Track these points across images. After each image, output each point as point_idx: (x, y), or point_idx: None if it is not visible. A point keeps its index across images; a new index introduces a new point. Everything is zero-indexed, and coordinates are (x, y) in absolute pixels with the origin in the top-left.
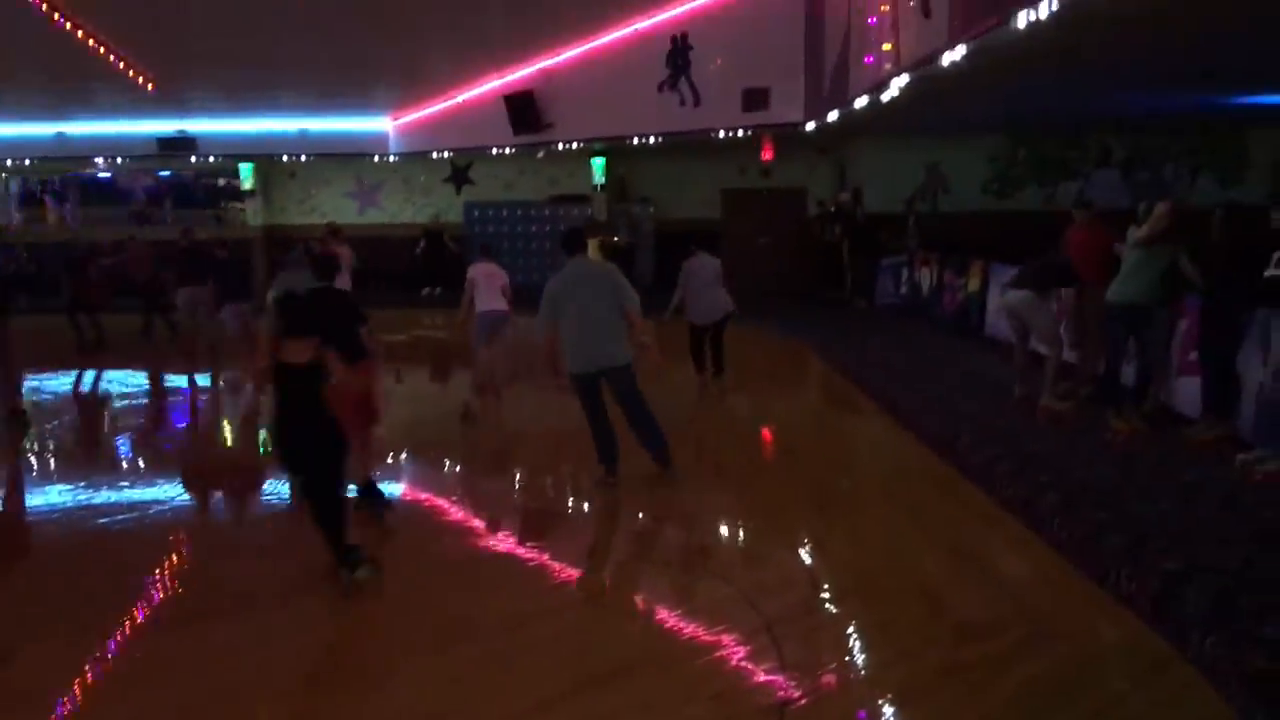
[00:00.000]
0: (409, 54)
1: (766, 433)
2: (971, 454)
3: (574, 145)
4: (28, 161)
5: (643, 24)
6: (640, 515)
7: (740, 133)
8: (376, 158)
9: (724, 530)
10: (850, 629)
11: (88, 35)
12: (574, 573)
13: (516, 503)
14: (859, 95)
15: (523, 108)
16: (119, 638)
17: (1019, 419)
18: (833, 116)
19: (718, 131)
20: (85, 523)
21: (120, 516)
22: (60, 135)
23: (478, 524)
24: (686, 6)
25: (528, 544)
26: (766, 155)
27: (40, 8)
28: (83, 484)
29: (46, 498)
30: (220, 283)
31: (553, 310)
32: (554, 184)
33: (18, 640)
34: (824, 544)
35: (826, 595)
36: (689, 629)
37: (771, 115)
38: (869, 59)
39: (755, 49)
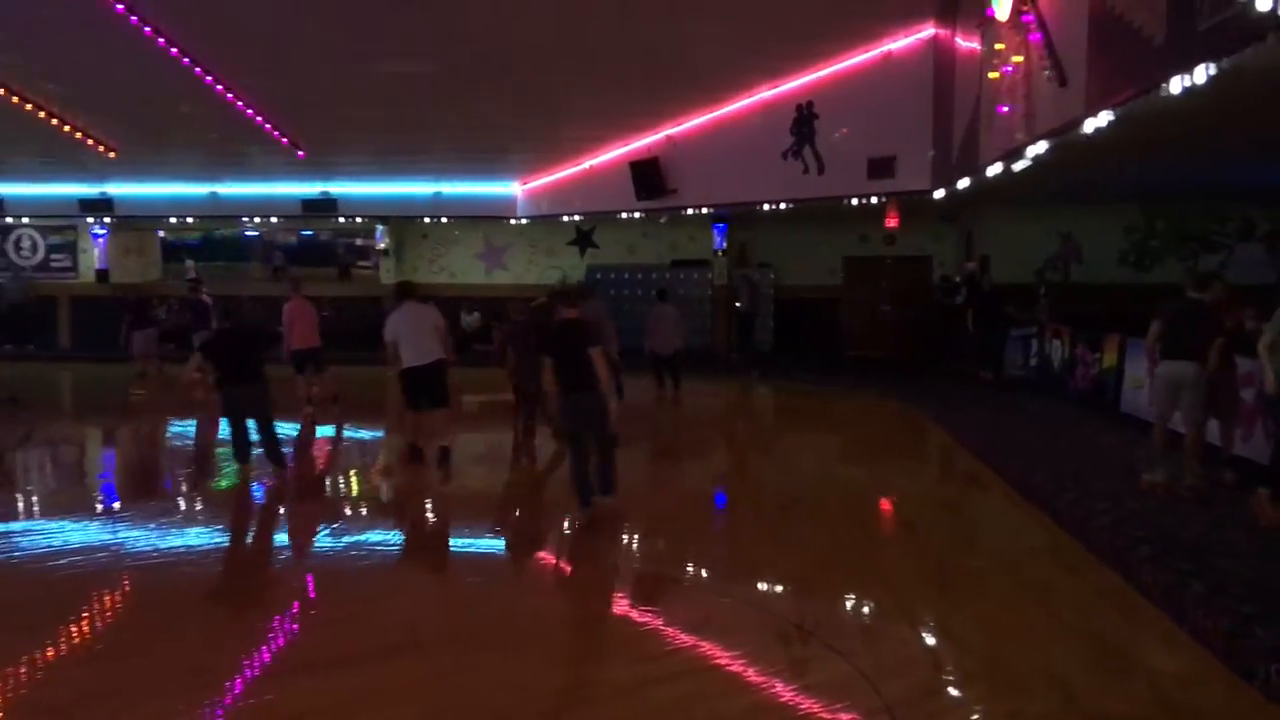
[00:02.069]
0: (541, 122)
1: (885, 504)
2: (1106, 535)
3: (697, 211)
4: (189, 220)
5: (767, 93)
6: (756, 584)
7: (865, 200)
8: (505, 220)
9: (841, 604)
10: (976, 717)
11: (248, 105)
12: (688, 639)
13: (629, 565)
14: (990, 163)
15: (647, 174)
16: (250, 685)
17: (1158, 500)
18: (963, 184)
19: (841, 199)
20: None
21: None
22: (214, 195)
23: (589, 587)
24: (812, 76)
25: (640, 608)
26: (891, 223)
27: (207, 80)
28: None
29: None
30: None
31: None
32: (675, 249)
33: (161, 682)
34: (947, 624)
35: (950, 679)
36: (806, 705)
37: (897, 183)
38: (1001, 126)
39: (881, 116)
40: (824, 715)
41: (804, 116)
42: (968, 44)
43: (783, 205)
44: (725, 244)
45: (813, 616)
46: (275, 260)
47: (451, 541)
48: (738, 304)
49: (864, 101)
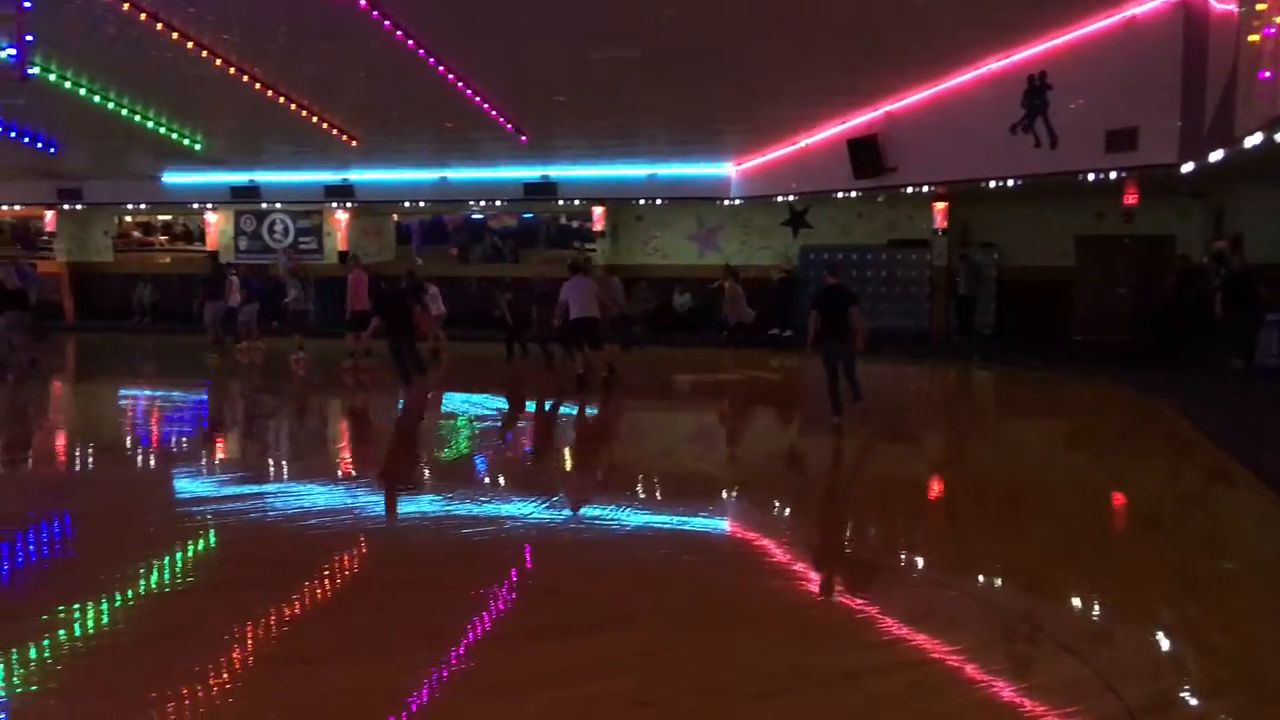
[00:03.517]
0: (756, 102)
1: (1121, 498)
2: None
3: (917, 189)
4: (422, 204)
5: (995, 64)
6: (980, 576)
7: (1102, 175)
8: (718, 201)
9: (1074, 601)
10: None
11: (477, 93)
12: (906, 630)
13: (847, 551)
14: (1249, 133)
15: (865, 152)
16: (475, 649)
17: None
18: (1215, 157)
19: (1075, 174)
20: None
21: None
22: (443, 179)
23: (805, 571)
24: (1045, 45)
25: (858, 594)
26: (1130, 199)
27: (440, 71)
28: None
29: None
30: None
31: None
32: (892, 228)
33: (376, 646)
34: (1195, 628)
35: (1199, 686)
36: (1034, 707)
37: (1139, 156)
38: (1261, 94)
39: (1122, 86)
40: (1053, 717)
41: (1036, 88)
42: (1223, 6)
43: (1010, 182)
44: (946, 223)
45: (1042, 613)
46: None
47: (666, 519)
48: (957, 284)
49: (1103, 70)
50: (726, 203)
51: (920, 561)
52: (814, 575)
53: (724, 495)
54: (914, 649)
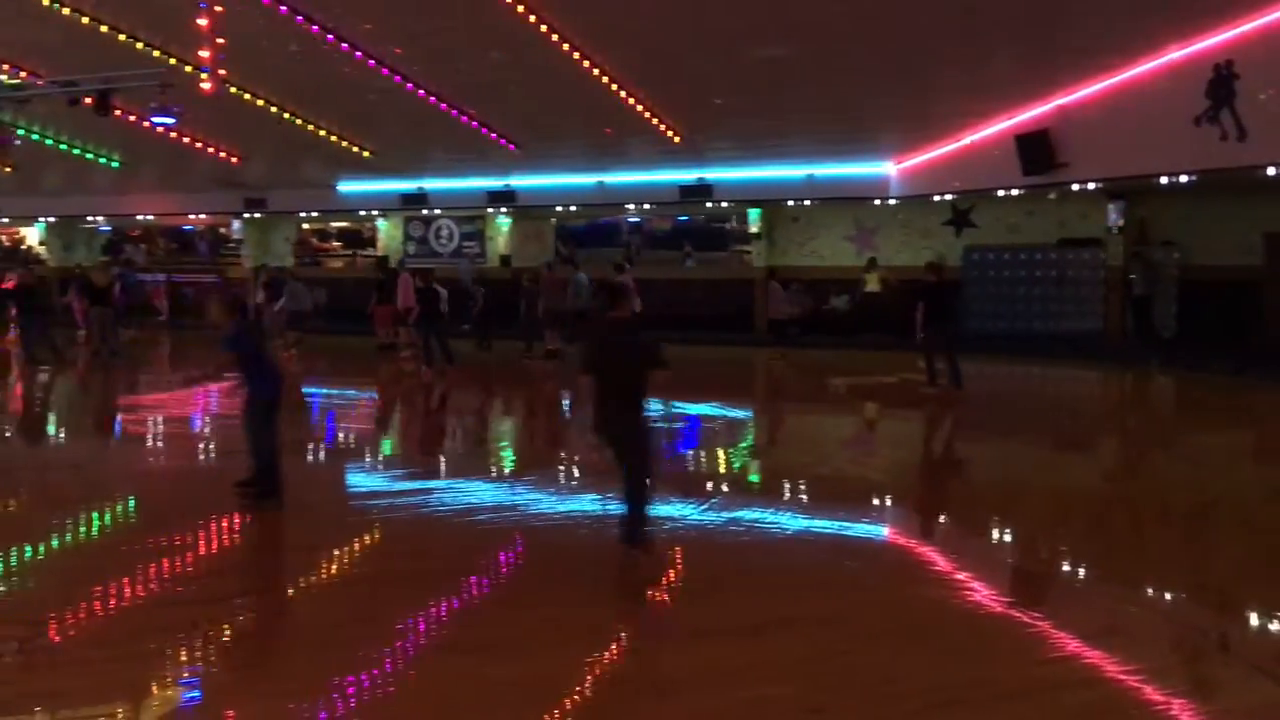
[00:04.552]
0: (918, 98)
1: None
2: None
3: (1089, 186)
4: (573, 208)
5: (1177, 54)
6: (1163, 592)
7: None
8: (876, 201)
9: (1270, 621)
10: None
11: (630, 95)
12: (1082, 646)
13: (1019, 562)
14: None
15: (1035, 147)
16: (639, 647)
17: None
18: None
19: (1266, 168)
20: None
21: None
22: (600, 184)
23: (973, 581)
24: (1233, 32)
25: (1031, 608)
26: None
27: (594, 74)
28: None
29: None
30: None
31: None
32: (1063, 227)
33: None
34: None
35: None
36: None
37: None
38: None
39: None
40: None
41: (1222, 77)
42: None
43: (1190, 177)
44: (1122, 220)
45: (1233, 632)
46: (634, 245)
47: (825, 524)
48: (1133, 285)
49: None
50: (885, 202)
51: (1098, 575)
52: (983, 586)
53: (885, 501)
54: (1090, 666)
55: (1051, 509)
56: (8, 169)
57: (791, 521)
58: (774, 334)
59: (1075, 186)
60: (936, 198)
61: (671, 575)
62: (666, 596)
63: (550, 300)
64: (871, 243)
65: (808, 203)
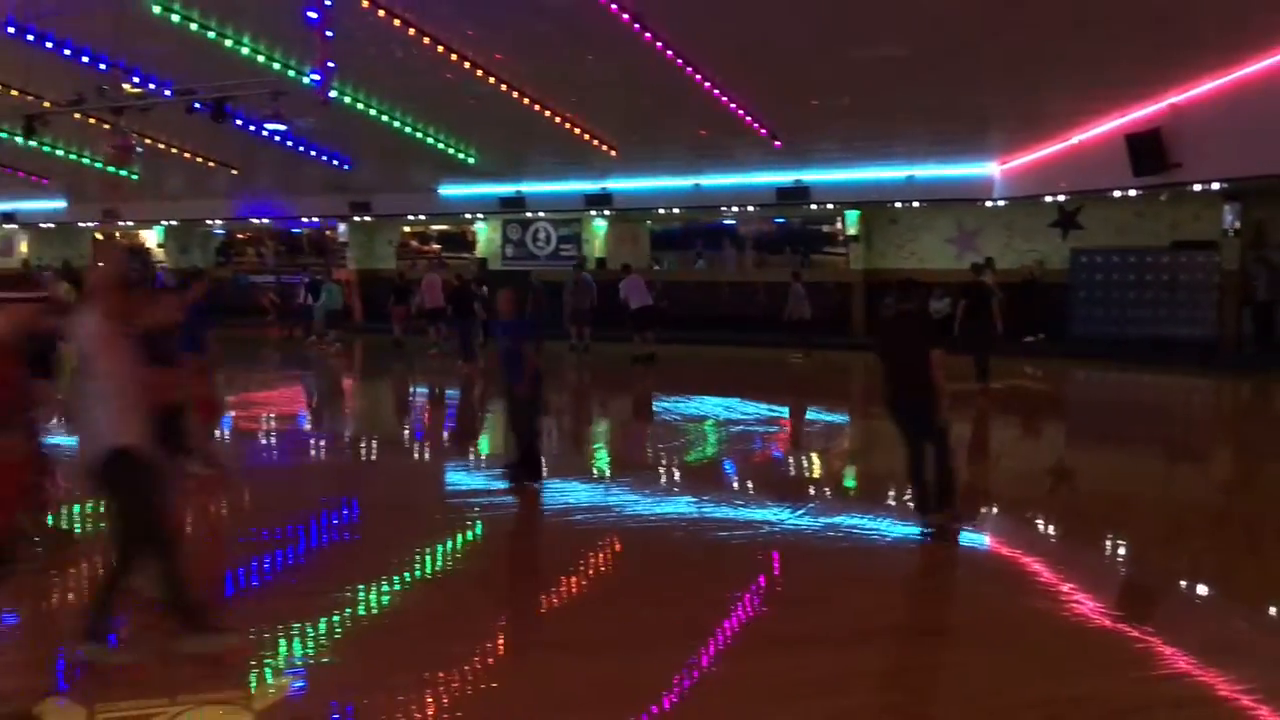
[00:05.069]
0: (1027, 97)
1: None
2: None
3: (1212, 186)
4: (674, 210)
5: None
6: (1271, 608)
7: None
8: (979, 203)
9: None
10: None
11: (732, 99)
12: (1194, 662)
13: (1128, 575)
14: None
15: (1147, 147)
16: (736, 651)
17: None
18: None
19: None
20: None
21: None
22: (697, 186)
23: (1080, 593)
24: None
25: (1139, 622)
26: None
27: (696, 79)
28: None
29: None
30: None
31: None
32: (1175, 229)
33: (634, 637)
34: None
35: None
36: None
37: None
38: None
39: None
40: None
41: None
42: None
43: None
44: (1238, 223)
45: None
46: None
47: (925, 532)
48: (1255, 289)
49: None
50: (989, 204)
51: (1211, 590)
52: (1091, 599)
53: (990, 509)
54: (1203, 684)
55: (1163, 521)
56: (131, 175)
57: (891, 528)
58: (794, 335)
59: (1198, 187)
60: (1048, 198)
61: (768, 580)
62: (765, 602)
63: (577, 301)
64: (973, 245)
65: (908, 204)
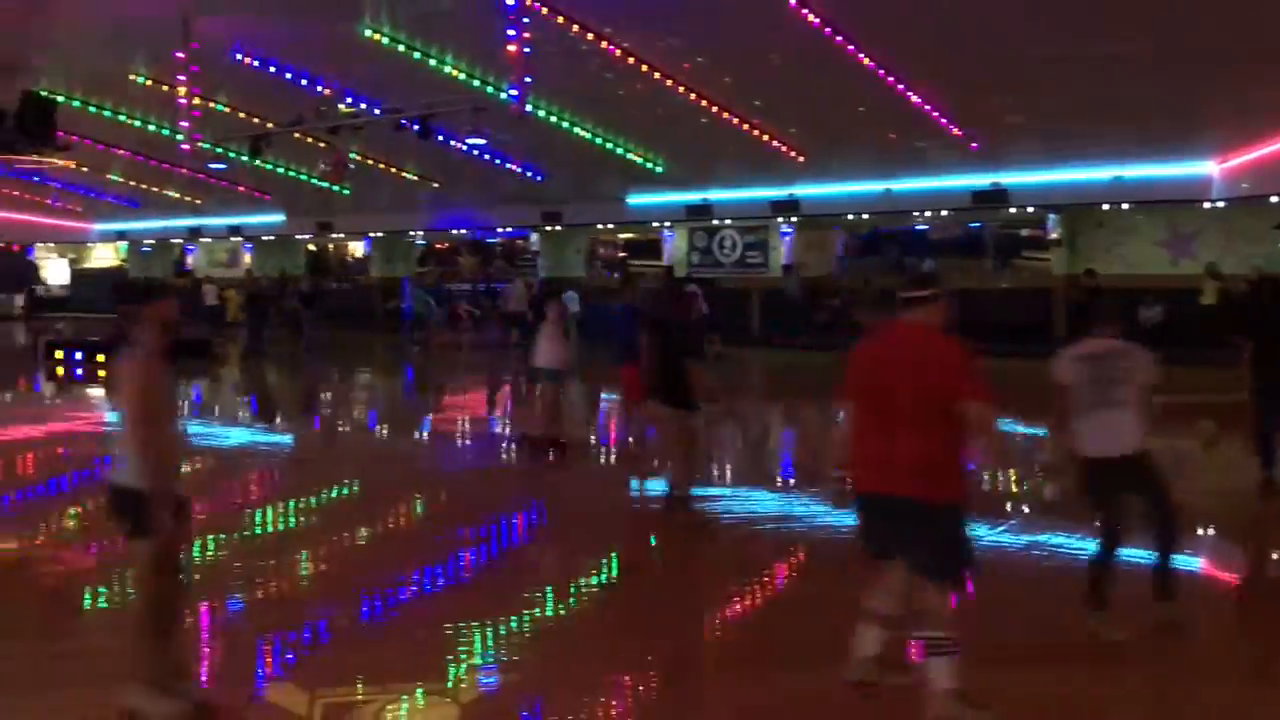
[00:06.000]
0: (1246, 88)
1: None
2: None
3: None
4: (864, 216)
5: None
6: None
7: None
8: (1195, 204)
9: None
10: None
11: (926, 100)
12: None
13: None
14: None
15: None
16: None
17: None
18: None
19: None
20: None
21: None
22: (888, 191)
23: None
24: None
25: None
26: None
27: (889, 81)
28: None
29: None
30: None
31: None
32: None
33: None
34: None
35: None
36: None
37: None
38: None
39: None
40: None
41: None
42: None
43: None
44: None
45: None
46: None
47: (1138, 553)
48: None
49: None
50: (1207, 205)
51: None
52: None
53: (1208, 530)
54: None
55: None
56: (343, 190)
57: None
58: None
59: None
60: (1275, 199)
61: (973, 596)
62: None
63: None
64: (1189, 249)
65: (1116, 207)
